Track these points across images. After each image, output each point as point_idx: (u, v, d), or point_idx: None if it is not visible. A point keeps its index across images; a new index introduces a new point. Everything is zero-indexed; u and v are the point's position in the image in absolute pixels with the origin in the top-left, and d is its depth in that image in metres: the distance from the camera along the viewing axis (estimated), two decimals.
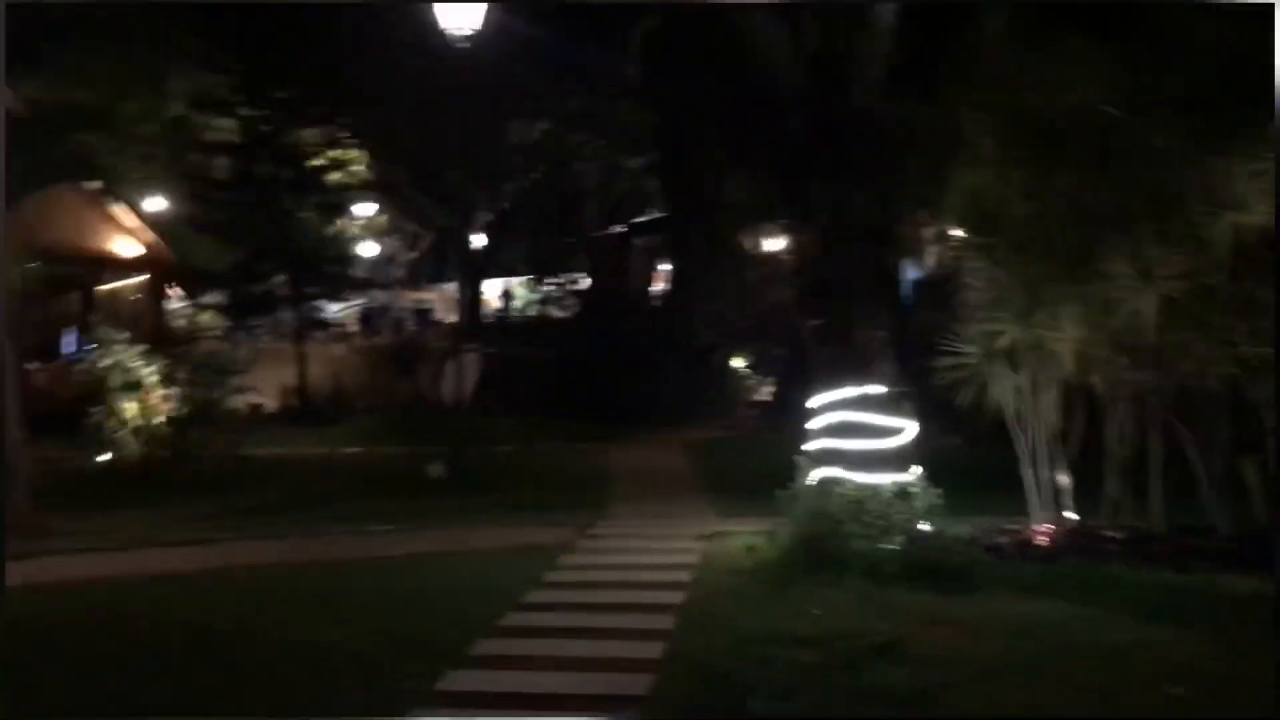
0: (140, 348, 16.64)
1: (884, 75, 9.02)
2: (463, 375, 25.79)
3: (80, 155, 10.31)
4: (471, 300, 30.40)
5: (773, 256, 25.77)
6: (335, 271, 26.68)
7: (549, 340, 27.42)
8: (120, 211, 23.40)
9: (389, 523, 11.31)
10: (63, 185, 17.01)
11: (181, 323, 26.83)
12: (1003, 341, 9.08)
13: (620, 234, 31.18)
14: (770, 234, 24.83)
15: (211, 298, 27.39)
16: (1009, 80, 9.36)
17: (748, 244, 25.43)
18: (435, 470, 14.58)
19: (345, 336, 32.89)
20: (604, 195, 32.17)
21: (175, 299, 28.05)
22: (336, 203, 28.09)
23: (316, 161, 26.37)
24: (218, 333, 32.17)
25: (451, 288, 43.13)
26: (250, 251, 24.32)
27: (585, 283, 31.03)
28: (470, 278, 30.37)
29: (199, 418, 16.23)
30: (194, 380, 16.26)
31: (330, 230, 30.52)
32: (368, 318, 36.60)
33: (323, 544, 10.44)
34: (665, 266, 30.67)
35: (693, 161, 25.70)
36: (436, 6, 14.01)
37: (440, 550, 9.92)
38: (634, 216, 32.03)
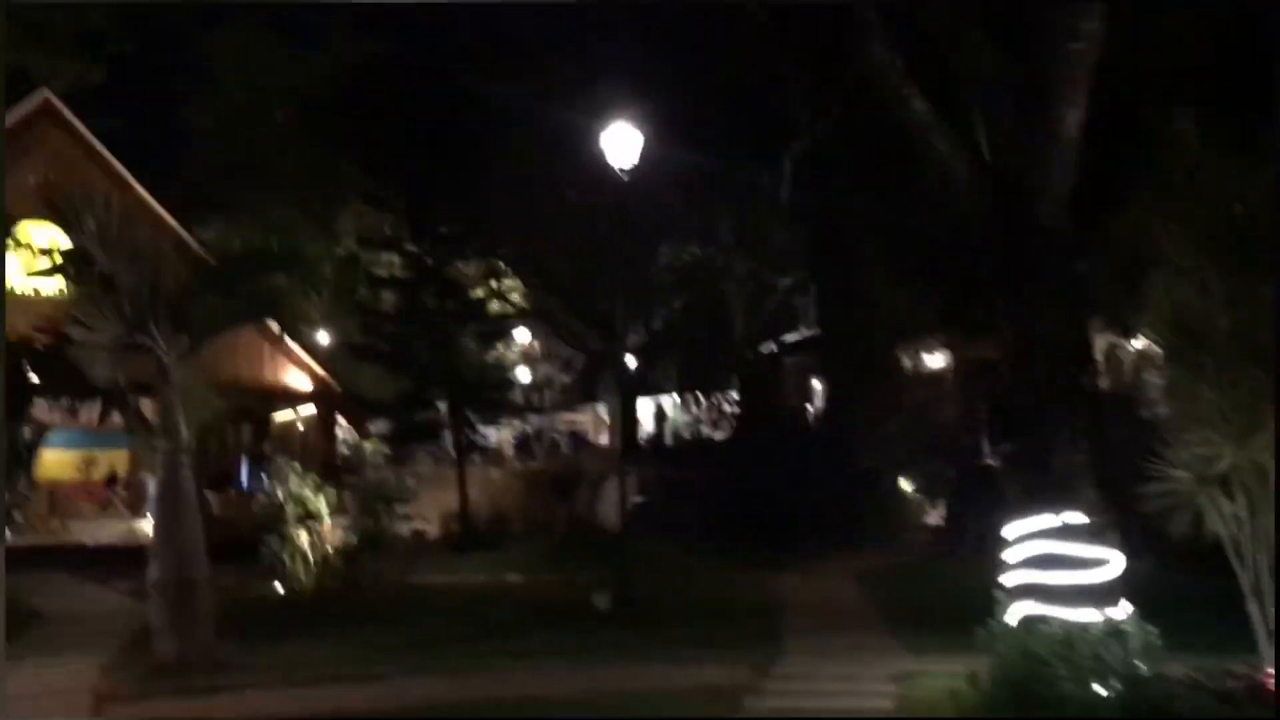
0: (312, 478, 17.11)
1: (1071, 185, 8.62)
2: (619, 499, 25.75)
3: (265, 296, 10.57)
4: (625, 422, 30.44)
5: (936, 374, 25.13)
6: (494, 397, 27.12)
7: (703, 462, 27.11)
8: (291, 345, 24.47)
9: (558, 656, 11.07)
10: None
11: (347, 451, 27.74)
12: (1219, 466, 8.36)
13: (772, 353, 30.96)
14: (931, 350, 24.25)
15: (376, 426, 28.25)
16: (1203, 184, 8.85)
17: (908, 360, 24.89)
18: (601, 600, 14.33)
19: (502, 460, 33.37)
20: (754, 314, 32.13)
21: (342, 429, 29.04)
22: (495, 330, 28.77)
23: (477, 292, 27.15)
24: (380, 460, 33.20)
25: (603, 409, 43.60)
26: (414, 380, 24.97)
27: (737, 402, 30.80)
28: (623, 399, 30.49)
29: (368, 546, 16.49)
30: (364, 509, 16.57)
31: (489, 357, 31.33)
32: (523, 441, 37.11)
33: (494, 681, 10.24)
34: (819, 384, 30.29)
35: (847, 278, 25.49)
36: (604, 141, 14.38)
37: (615, 689, 9.59)
38: (785, 334, 31.87)
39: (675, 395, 35.26)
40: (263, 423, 26.71)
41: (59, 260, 10.27)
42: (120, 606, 15.42)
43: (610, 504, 24.93)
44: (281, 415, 28.10)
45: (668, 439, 34.24)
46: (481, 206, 25.37)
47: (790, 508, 20.82)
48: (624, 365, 30.17)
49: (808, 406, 30.61)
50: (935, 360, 26.28)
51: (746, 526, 20.90)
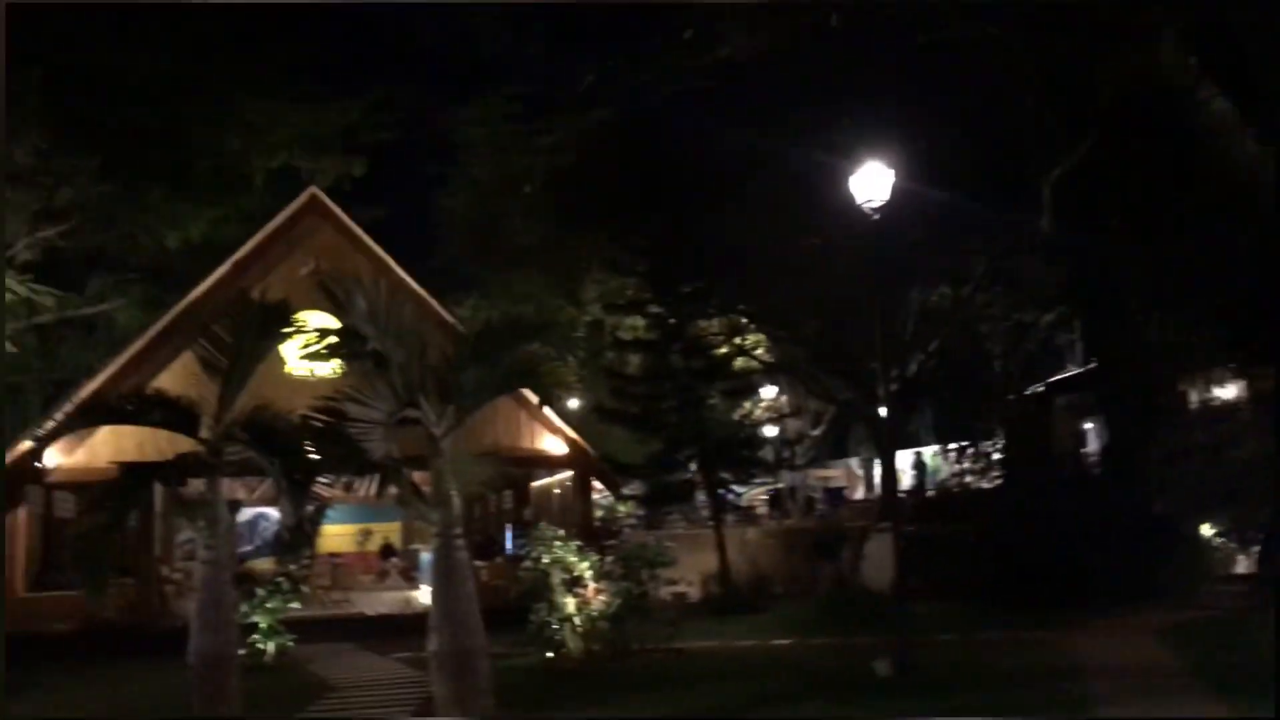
0: (575, 543, 17.15)
1: None
2: (888, 556, 24.65)
3: (524, 364, 10.56)
4: (885, 475, 29.28)
5: (1228, 406, 22.85)
6: (745, 455, 26.67)
7: (971, 514, 25.62)
8: (546, 412, 24.92)
9: None
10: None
11: (601, 514, 27.97)
12: None
13: (1039, 394, 29.13)
14: (1220, 381, 22.09)
15: (630, 489, 28.39)
16: None
17: (1195, 393, 22.76)
18: (882, 667, 13.47)
19: (756, 519, 32.82)
20: (1014, 354, 30.40)
21: (597, 493, 29.36)
22: (741, 387, 28.44)
23: (721, 349, 26.94)
24: (633, 523, 33.33)
25: (856, 463, 42.43)
26: (664, 441, 24.90)
27: (1002, 449, 29.04)
28: (881, 451, 29.35)
29: (633, 611, 16.31)
30: (627, 573, 16.42)
31: (737, 414, 31.02)
32: (776, 499, 36.43)
33: None
34: (1091, 426, 28.21)
35: (1117, 309, 23.65)
36: (852, 181, 13.86)
37: None
38: (1049, 374, 29.98)
39: (935, 445, 33.71)
40: (523, 489, 27.27)
41: (333, 341, 10.64)
42: (401, 675, 15.84)
43: (876, 562, 23.98)
44: (539, 481, 28.68)
45: (930, 491, 32.72)
46: (723, 261, 25.21)
47: (1073, 560, 19.22)
48: (878, 416, 29.13)
49: (1081, 450, 28.51)
50: (1226, 391, 23.92)
51: (1025, 583, 19.48)
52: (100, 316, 30.96)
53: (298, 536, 11.52)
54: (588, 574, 16.76)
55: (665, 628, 16.51)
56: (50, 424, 13.59)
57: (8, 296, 25.52)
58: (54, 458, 22.10)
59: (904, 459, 39.88)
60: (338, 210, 24.11)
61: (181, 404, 11.96)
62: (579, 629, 16.44)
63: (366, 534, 33.67)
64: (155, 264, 30.72)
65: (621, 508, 41.21)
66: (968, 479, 30.80)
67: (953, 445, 31.46)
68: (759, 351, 30.04)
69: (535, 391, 10.57)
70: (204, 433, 12.20)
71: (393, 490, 10.22)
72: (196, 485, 12.08)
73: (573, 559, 16.78)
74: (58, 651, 19.64)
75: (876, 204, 14.32)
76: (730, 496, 26.91)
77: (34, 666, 17.95)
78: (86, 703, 14.49)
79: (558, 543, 16.75)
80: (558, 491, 28.77)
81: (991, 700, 11.54)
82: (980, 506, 26.18)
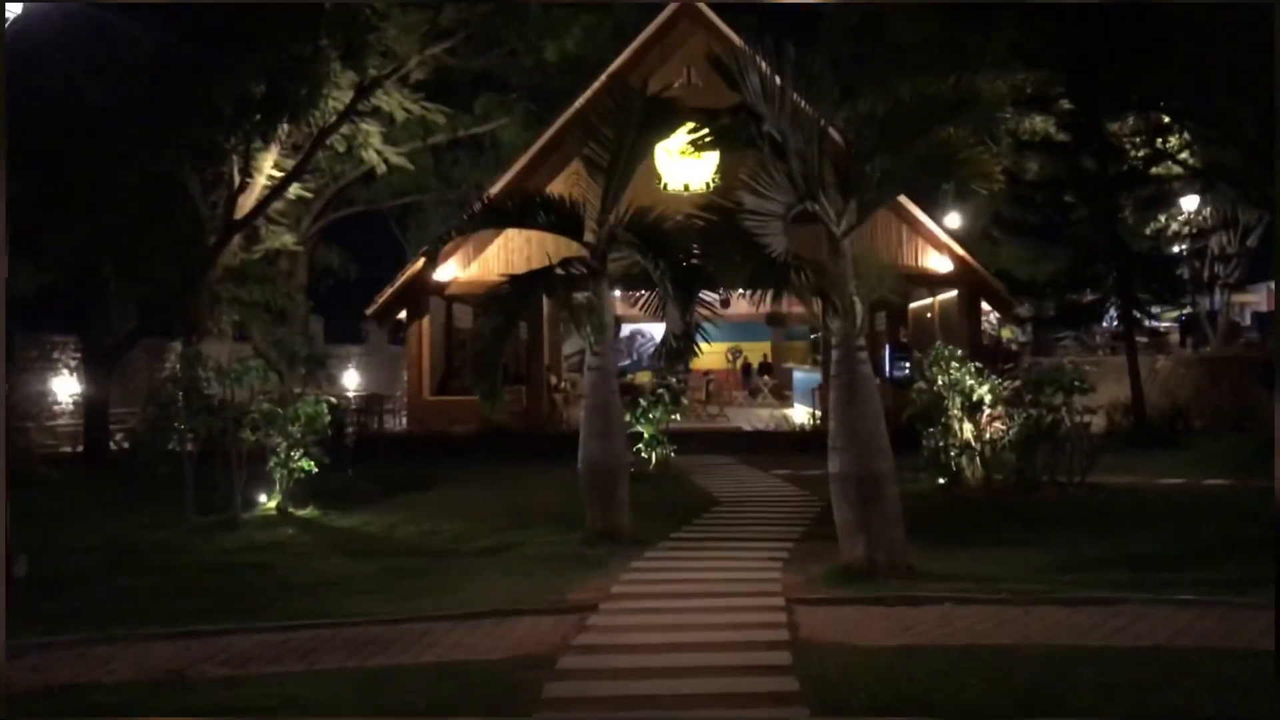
0: (974, 365, 15.56)
1: None
2: None
3: (939, 150, 8.93)
4: None
5: None
6: (1167, 273, 23.38)
7: None
8: (929, 225, 22.95)
9: None
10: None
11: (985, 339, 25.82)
12: None
13: None
14: None
15: (1024, 310, 25.99)
16: None
17: None
18: None
19: (1167, 346, 29.31)
20: None
21: (985, 315, 27.20)
22: (1161, 196, 24.82)
23: (1139, 152, 23.45)
24: (1016, 349, 30.76)
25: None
26: (1073, 256, 22.22)
27: None
28: None
29: (1042, 440, 14.62)
30: (1036, 399, 14.66)
31: (1154, 228, 27.39)
32: (1190, 324, 32.38)
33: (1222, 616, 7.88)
34: None
35: None
36: None
37: None
38: None
39: None
40: (900, 310, 25.63)
41: (724, 124, 9.51)
42: (786, 492, 15.22)
43: None
44: (915, 302, 26.92)
45: None
46: (1146, 48, 21.56)
47: None
48: None
49: None
50: None
51: None
52: (487, 136, 31.98)
53: (682, 344, 10.81)
54: (988, 398, 15.16)
55: (1080, 459, 14.70)
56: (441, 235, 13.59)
57: (400, 114, 26.64)
58: (452, 271, 23.10)
59: None
60: (712, 15, 22.82)
61: (564, 205, 11.45)
62: (978, 457, 15.02)
63: (736, 353, 33.62)
64: (535, 83, 31.09)
65: (1005, 332, 38.60)
66: None
67: None
68: (1183, 155, 25.96)
69: (953, 182, 8.93)
70: (588, 237, 11.70)
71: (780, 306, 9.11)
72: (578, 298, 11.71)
73: (971, 381, 15.22)
74: (458, 451, 20.88)
75: None
76: (1146, 321, 23.78)
77: (436, 463, 19.22)
78: (481, 500, 15.00)
79: (955, 364, 15.21)
80: (929, 315, 26.92)
81: None
82: None
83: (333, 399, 16.53)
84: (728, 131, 9.47)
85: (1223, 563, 9.74)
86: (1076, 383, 14.65)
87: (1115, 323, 31.58)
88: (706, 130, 9.69)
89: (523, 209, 11.64)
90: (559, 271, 11.67)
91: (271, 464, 14.62)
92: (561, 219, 11.35)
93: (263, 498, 14.74)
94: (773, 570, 9.73)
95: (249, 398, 15.24)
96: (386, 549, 12.02)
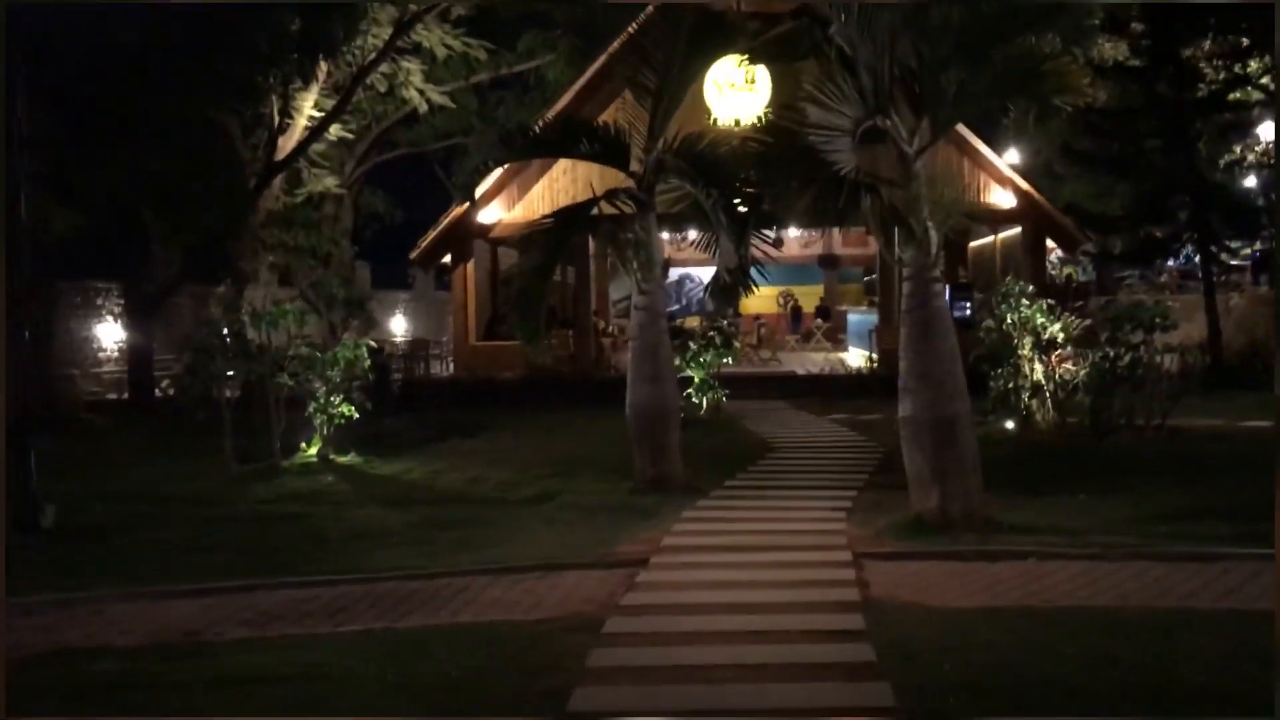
0: (1046, 301, 14.66)
1: None
2: None
3: (1021, 64, 8.03)
4: None
5: None
6: (1246, 206, 22.08)
7: None
8: (991, 157, 21.82)
9: None
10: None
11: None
12: None
13: None
14: None
15: (1090, 248, 24.80)
16: None
17: None
18: None
19: (1236, 285, 27.94)
20: None
21: (1051, 252, 26.05)
22: (1239, 124, 23.44)
23: (1218, 75, 22.08)
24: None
25: None
26: (1150, 187, 20.97)
27: None
28: None
29: (1119, 382, 13.72)
30: (1115, 338, 13.73)
31: (1229, 159, 25.98)
32: (1263, 261, 30.85)
33: None
34: None
35: None
36: None
37: None
38: None
39: None
40: (960, 246, 24.56)
41: (788, 30, 8.66)
42: (844, 438, 14.50)
43: None
44: (976, 241, 25.84)
45: None
46: None
47: None
48: None
49: None
50: None
51: None
52: (532, 74, 31.08)
53: (737, 280, 10.06)
54: (1059, 336, 14.27)
55: (1160, 402, 13.80)
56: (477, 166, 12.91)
57: (441, 51, 25.82)
58: (496, 214, 22.42)
59: None
60: None
61: (609, 132, 10.69)
62: (1049, 399, 14.18)
63: (788, 296, 32.67)
64: (580, 18, 30.06)
65: (1067, 270, 37.25)
66: None
67: None
68: (1264, 81, 24.43)
69: (1035, 100, 8.04)
70: (634, 167, 10.96)
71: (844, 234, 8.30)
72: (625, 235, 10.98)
73: (1042, 319, 14.32)
74: (504, 397, 20.38)
75: None
76: (1223, 255, 22.53)
77: (482, 409, 18.72)
78: (527, 447, 14.47)
79: (1026, 301, 14.31)
80: (989, 254, 25.81)
81: None
82: None
83: (373, 343, 16.00)
84: (789, 40, 8.60)
85: None
86: (1158, 320, 13.69)
87: (1183, 259, 30.25)
88: (766, 37, 8.83)
89: (563, 137, 10.89)
90: (604, 205, 10.96)
91: (311, 409, 14.18)
92: (606, 147, 10.59)
93: (304, 445, 14.33)
94: (836, 521, 9.05)
95: (286, 342, 14.77)
96: (427, 498, 11.51)
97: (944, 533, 8.12)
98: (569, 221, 10.88)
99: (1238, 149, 27.18)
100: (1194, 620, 6.02)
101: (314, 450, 14.26)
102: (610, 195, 10.80)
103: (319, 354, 14.28)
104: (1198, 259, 22.53)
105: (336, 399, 14.18)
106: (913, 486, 8.48)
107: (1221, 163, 25.67)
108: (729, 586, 7.02)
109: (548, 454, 13.95)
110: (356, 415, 14.30)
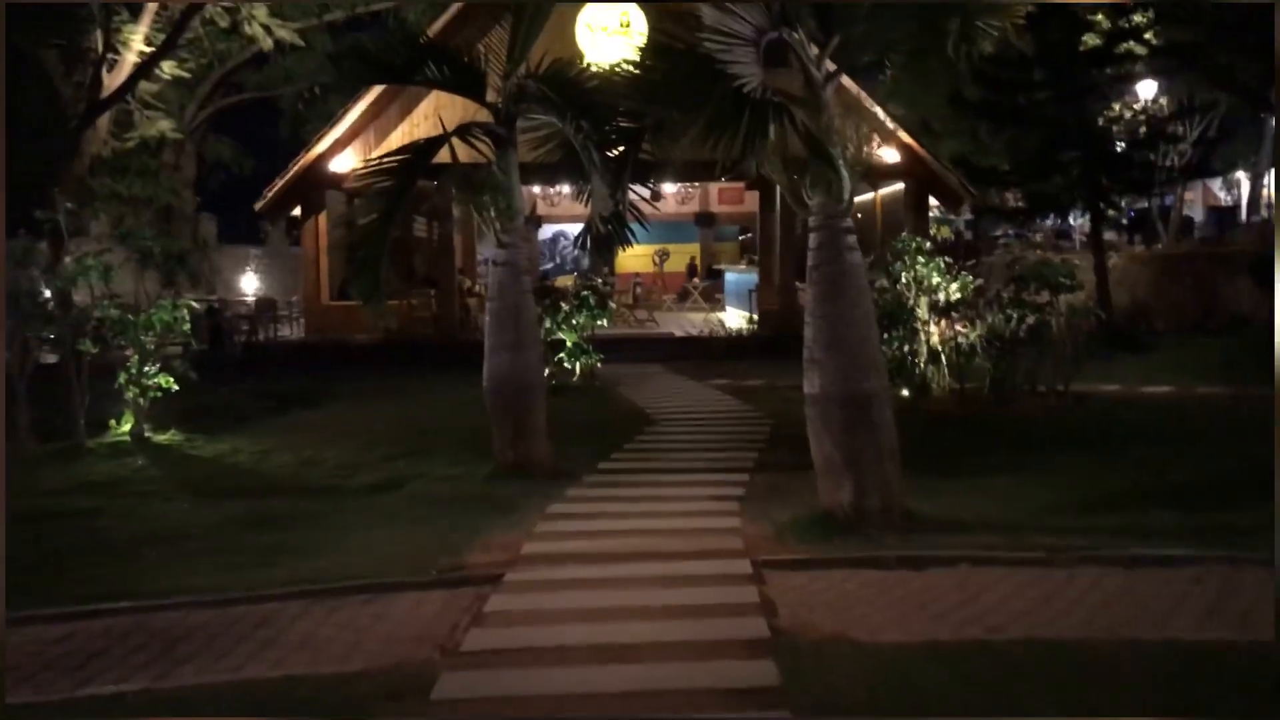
0: (943, 259, 13.60)
1: None
2: None
3: None
4: None
5: None
6: (1136, 163, 21.49)
7: None
8: (873, 110, 20.72)
9: None
10: None
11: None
12: None
13: None
14: None
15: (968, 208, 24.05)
16: None
17: None
18: None
19: (1113, 246, 27.76)
20: None
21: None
22: (1126, 76, 22.92)
23: (1105, 25, 21.41)
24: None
25: (1217, 182, 35.68)
26: (1039, 142, 20.14)
27: None
28: None
29: (1024, 345, 12.73)
30: (1019, 299, 12.71)
31: (1109, 116, 25.54)
32: (1138, 221, 30.89)
33: None
34: None
35: None
36: None
37: None
38: None
39: None
40: None
41: None
42: (730, 409, 13.20)
43: None
44: (861, 196, 24.83)
45: None
46: None
47: None
48: None
49: None
50: None
51: None
52: (391, 14, 28.83)
53: (612, 229, 8.56)
54: (955, 295, 13.23)
55: (1065, 366, 12.88)
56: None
57: None
58: (350, 162, 20.37)
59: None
60: None
61: (461, 55, 9.02)
62: (945, 364, 13.14)
63: (664, 255, 31.44)
64: None
65: (944, 229, 36.87)
66: None
67: None
68: (1147, 36, 23.96)
69: (963, 19, 6.69)
70: (493, 98, 9.34)
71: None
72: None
73: (938, 279, 13.25)
74: (360, 362, 18.67)
75: None
76: (1112, 213, 21.94)
77: (334, 375, 16.94)
78: (378, 419, 12.83)
79: (922, 259, 13.21)
80: (864, 214, 24.87)
81: None
82: None
83: (194, 304, 14.00)
84: None
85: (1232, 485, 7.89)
86: (1064, 279, 12.72)
87: (1056, 219, 29.93)
88: None
89: (406, 60, 9.16)
90: (457, 142, 9.30)
91: (121, 380, 12.22)
92: (458, 73, 8.91)
93: (113, 421, 12.38)
94: (728, 515, 7.69)
95: (93, 302, 12.73)
96: (250, 486, 9.75)
97: (858, 531, 6.82)
98: (414, 163, 9.18)
99: (1117, 107, 26.86)
100: (1190, 658, 4.77)
101: (127, 427, 12.32)
102: (463, 131, 9.15)
103: (130, 316, 12.31)
104: (1085, 217, 21.98)
105: (152, 368, 12.26)
106: (821, 476, 7.15)
107: (1100, 121, 25.24)
108: (601, 618, 5.54)
109: (401, 428, 12.34)
110: (175, 387, 12.39)
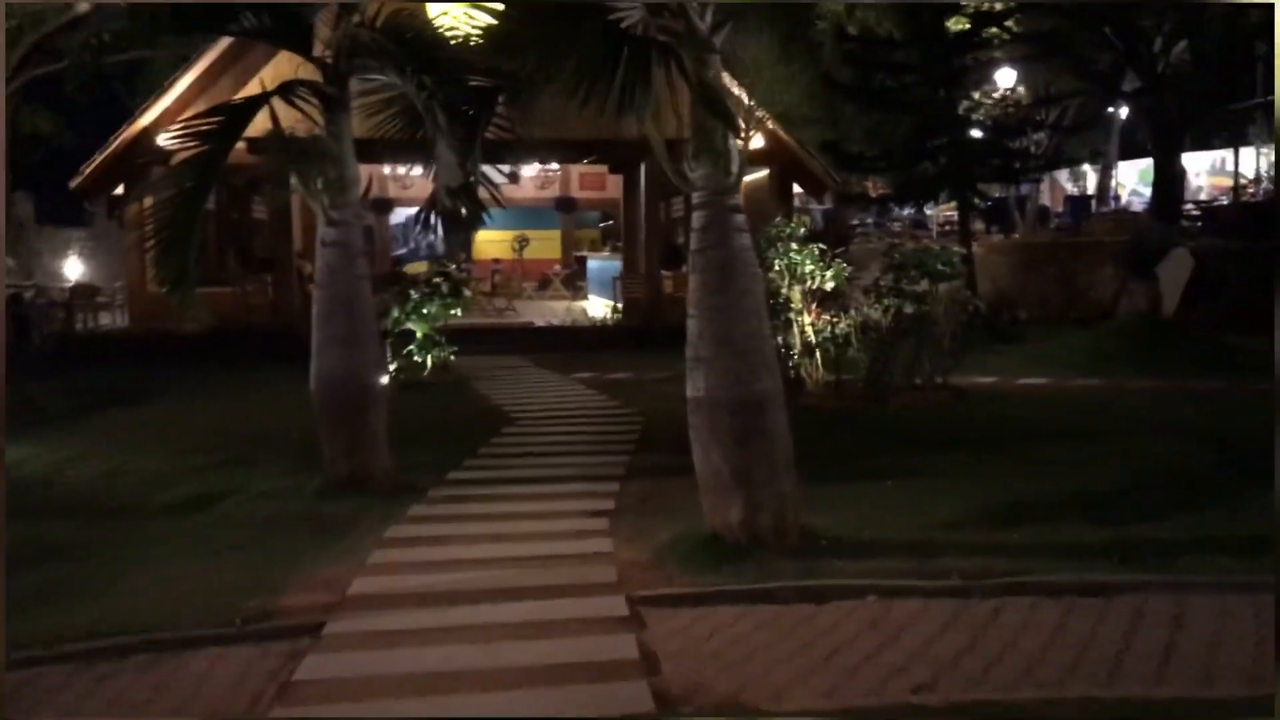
0: (818, 246, 12.84)
1: None
2: (1171, 278, 19.74)
3: None
4: (1161, 180, 23.78)
5: None
6: (1007, 148, 21.26)
7: (1245, 230, 20.45)
8: (737, 94, 19.99)
9: None
10: None
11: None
12: None
13: None
14: None
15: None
16: None
17: None
18: None
19: (972, 235, 27.79)
20: None
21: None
22: (983, 64, 22.81)
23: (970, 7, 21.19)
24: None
25: (1063, 173, 36.45)
26: (914, 126, 19.67)
27: None
28: (1161, 150, 23.75)
29: (901, 337, 12.08)
30: (898, 288, 12.03)
31: (968, 105, 25.47)
32: (995, 210, 31.06)
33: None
34: None
35: None
36: None
37: None
38: None
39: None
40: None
41: None
42: (596, 407, 12.17)
43: (1172, 285, 19.15)
44: None
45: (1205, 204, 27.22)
46: None
47: None
48: (1163, 101, 23.37)
49: None
50: None
51: None
52: None
53: (462, 203, 7.40)
54: (830, 285, 12.50)
55: (942, 359, 12.30)
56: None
57: None
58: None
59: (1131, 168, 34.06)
60: None
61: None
62: (818, 356, 12.41)
63: (524, 241, 30.24)
64: None
65: (804, 218, 36.65)
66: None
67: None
68: (1009, 23, 23.91)
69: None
70: (321, 51, 8.08)
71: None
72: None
73: (812, 266, 12.49)
74: (188, 354, 17.05)
75: None
76: (977, 201, 21.69)
77: (158, 369, 15.46)
78: (201, 420, 11.39)
79: (796, 245, 12.42)
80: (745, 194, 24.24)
81: None
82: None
83: None
84: None
85: (1198, 504, 7.26)
86: (944, 267, 12.10)
87: (916, 209, 29.93)
88: None
89: (214, 6, 7.78)
90: (289, 110, 8.00)
91: None
92: (277, 19, 7.60)
93: None
94: (598, 536, 6.66)
95: None
96: (32, 505, 8.22)
97: (749, 556, 5.87)
98: (229, 125, 7.83)
99: (976, 95, 26.84)
100: None
101: None
102: (286, 89, 7.84)
103: None
104: (938, 206, 21.79)
105: None
106: (706, 493, 6.17)
107: (963, 107, 25.16)
108: (440, 686, 4.40)
109: (226, 430, 10.96)
110: None
